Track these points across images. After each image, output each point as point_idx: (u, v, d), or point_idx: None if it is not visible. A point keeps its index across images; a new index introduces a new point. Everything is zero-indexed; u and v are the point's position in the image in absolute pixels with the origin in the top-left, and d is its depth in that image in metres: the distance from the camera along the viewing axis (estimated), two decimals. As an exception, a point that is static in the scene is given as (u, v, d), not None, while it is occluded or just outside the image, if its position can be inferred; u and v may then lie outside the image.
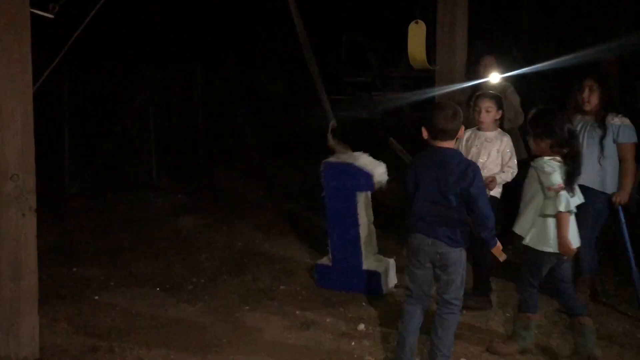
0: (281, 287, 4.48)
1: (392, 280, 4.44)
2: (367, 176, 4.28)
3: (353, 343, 3.66)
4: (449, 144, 3.15)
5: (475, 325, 3.86)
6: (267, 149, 9.36)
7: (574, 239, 3.33)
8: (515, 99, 5.04)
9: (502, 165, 4.10)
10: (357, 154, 4.43)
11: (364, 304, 4.20)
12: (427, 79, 6.17)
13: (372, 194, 4.48)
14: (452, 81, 5.39)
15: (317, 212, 6.26)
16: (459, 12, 5.39)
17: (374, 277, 4.31)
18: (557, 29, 8.13)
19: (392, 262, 4.47)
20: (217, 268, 4.85)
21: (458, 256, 3.17)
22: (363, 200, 4.38)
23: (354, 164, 4.31)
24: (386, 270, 4.39)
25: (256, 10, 9.39)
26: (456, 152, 3.21)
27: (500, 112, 4.13)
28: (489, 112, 4.08)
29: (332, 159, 4.42)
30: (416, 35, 5.42)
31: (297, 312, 4.05)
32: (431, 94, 5.76)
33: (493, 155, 4.08)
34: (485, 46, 6.88)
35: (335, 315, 4.02)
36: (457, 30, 5.39)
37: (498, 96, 4.19)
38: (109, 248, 5.25)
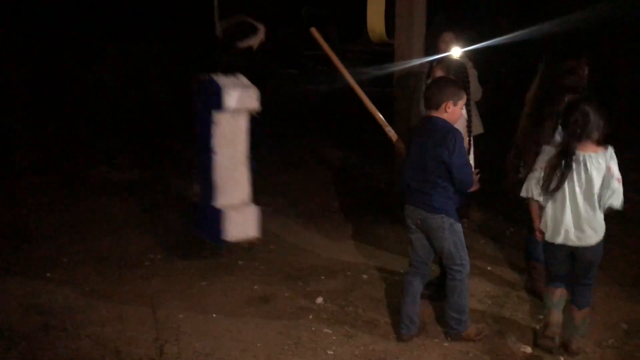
0: (239, 262, 4.46)
1: (247, 230, 3.73)
2: (219, 93, 3.58)
3: (311, 316, 3.68)
4: (438, 113, 3.27)
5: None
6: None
7: None
8: (473, 74, 5.07)
9: None
10: (241, 76, 3.82)
11: (322, 277, 4.21)
12: (387, 54, 6.14)
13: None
14: (411, 56, 5.38)
15: (279, 189, 6.24)
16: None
17: (216, 219, 3.65)
18: (516, 3, 8.19)
19: (254, 209, 3.77)
20: (174, 244, 4.78)
21: (438, 222, 3.25)
22: (227, 126, 3.68)
23: (215, 80, 3.66)
24: (237, 215, 3.66)
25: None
26: (442, 121, 3.26)
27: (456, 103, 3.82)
28: (435, 76, 3.75)
29: (203, 76, 3.79)
30: (375, 8, 5.38)
31: (256, 287, 4.04)
32: (390, 69, 5.75)
33: None
34: (445, 21, 6.88)
35: (293, 289, 4.03)
36: (415, 3, 5.37)
37: (454, 63, 3.86)
38: (62, 225, 5.11)
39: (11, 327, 3.45)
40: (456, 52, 5.00)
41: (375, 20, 5.32)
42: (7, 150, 6.82)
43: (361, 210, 5.54)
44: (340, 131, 8.05)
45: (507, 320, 3.69)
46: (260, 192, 6.08)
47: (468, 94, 3.78)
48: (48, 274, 4.14)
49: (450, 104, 3.26)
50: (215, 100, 3.63)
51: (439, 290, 3.71)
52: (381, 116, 3.85)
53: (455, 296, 3.37)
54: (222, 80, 3.66)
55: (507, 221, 5.27)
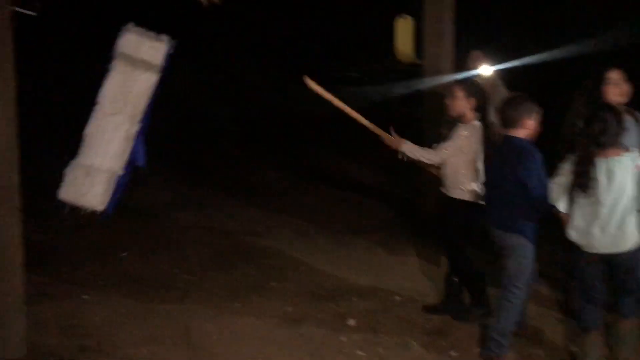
0: (271, 283, 4.47)
1: (84, 196, 3.21)
2: (121, 36, 3.14)
3: (343, 338, 3.66)
4: (515, 132, 3.30)
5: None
6: (252, 142, 9.31)
7: None
8: (502, 92, 5.05)
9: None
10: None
11: (354, 298, 4.20)
12: (414, 73, 6.17)
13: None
14: (439, 76, 5.40)
15: (309, 209, 6.27)
16: (445, 6, 5.40)
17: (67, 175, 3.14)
18: (541, 22, 8.17)
19: (110, 180, 3.19)
20: (206, 265, 4.83)
21: (511, 241, 3.28)
22: (120, 78, 3.17)
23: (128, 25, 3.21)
24: (82, 178, 3.12)
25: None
26: (518, 140, 3.30)
27: (471, 100, 3.75)
28: (455, 97, 3.77)
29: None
30: (403, 30, 5.43)
31: (288, 308, 4.05)
32: (418, 88, 5.77)
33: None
34: (473, 40, 6.89)
35: (325, 310, 4.02)
36: (444, 24, 5.40)
37: (472, 83, 3.91)
38: (98, 247, 5.20)
39: (49, 347, 3.51)
40: (485, 70, 4.99)
41: (404, 41, 5.36)
42: (42, 173, 7.00)
43: (390, 229, 5.52)
44: (363, 149, 8.07)
45: (544, 342, 3.62)
46: (290, 213, 6.15)
47: (486, 114, 3.85)
48: (84, 296, 4.21)
49: (526, 120, 3.31)
50: (117, 47, 3.14)
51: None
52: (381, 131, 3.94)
53: (503, 317, 3.33)
54: (132, 28, 3.18)
55: (543, 238, 5.19)
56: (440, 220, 4.00)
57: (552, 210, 3.29)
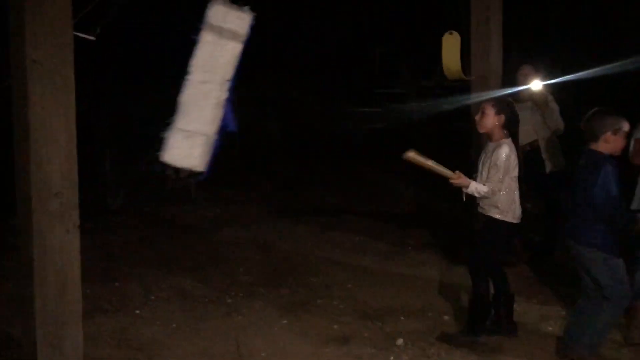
0: (319, 300, 4.48)
1: (186, 158, 3.35)
2: (207, 6, 3.24)
3: (392, 358, 3.62)
4: (595, 146, 3.31)
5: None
6: (300, 159, 9.39)
7: None
8: (555, 108, 4.96)
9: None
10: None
11: (402, 318, 4.16)
12: (462, 89, 6.12)
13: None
14: (487, 91, 5.33)
15: (356, 226, 6.26)
16: (493, 21, 5.35)
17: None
18: (590, 37, 7.99)
19: (206, 141, 3.33)
20: (255, 281, 4.88)
21: (591, 256, 3.27)
22: (209, 48, 3.28)
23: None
24: (183, 141, 3.31)
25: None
26: (596, 153, 3.30)
27: (501, 116, 3.68)
28: (485, 113, 3.69)
29: None
30: (450, 46, 5.39)
31: (335, 327, 4.04)
32: (464, 103, 5.72)
33: (486, 169, 3.67)
34: (520, 55, 6.80)
35: (372, 329, 3.99)
36: (491, 39, 5.34)
37: (502, 100, 3.82)
38: (149, 262, 5.33)
39: (103, 361, 3.61)
40: (536, 85, 4.92)
41: (451, 58, 5.33)
42: (98, 192, 7.25)
43: (437, 247, 5.45)
44: (410, 167, 8.02)
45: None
46: (337, 230, 6.16)
47: (516, 132, 3.76)
48: (137, 311, 4.31)
49: (609, 134, 3.29)
50: (204, 18, 3.24)
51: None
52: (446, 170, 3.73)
53: (592, 321, 3.33)
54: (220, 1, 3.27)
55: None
56: (475, 241, 3.88)
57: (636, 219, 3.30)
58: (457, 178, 3.65)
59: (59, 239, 3.26)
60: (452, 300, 4.43)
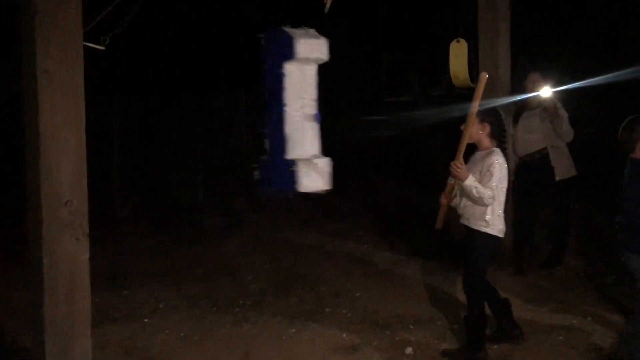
0: (327, 309, 4.46)
1: (319, 183, 3.55)
2: (290, 40, 3.50)
3: (401, 367, 3.60)
4: (634, 154, 3.38)
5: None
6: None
7: None
8: (564, 115, 4.94)
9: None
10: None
11: (411, 326, 4.13)
12: (469, 97, 6.12)
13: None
14: (495, 99, 5.33)
15: (364, 234, 6.24)
16: (501, 28, 5.35)
17: (290, 171, 3.56)
18: (600, 44, 7.96)
19: (325, 160, 3.55)
20: (263, 289, 4.87)
21: (637, 263, 3.31)
22: (297, 77, 3.56)
23: (286, 30, 3.55)
24: (308, 167, 3.55)
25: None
26: (637, 161, 3.36)
27: (484, 125, 3.56)
28: (469, 123, 3.52)
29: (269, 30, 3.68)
30: (458, 53, 5.40)
31: (344, 335, 4.02)
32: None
33: (476, 177, 3.52)
34: (528, 62, 6.79)
35: (382, 338, 3.97)
36: (499, 46, 5.35)
37: (489, 110, 3.65)
38: (158, 270, 5.35)
39: (112, 370, 3.62)
40: (545, 92, 4.90)
41: (459, 66, 5.33)
42: (107, 201, 7.29)
43: (447, 256, 5.42)
44: (421, 175, 8.01)
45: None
46: (346, 238, 6.15)
47: (503, 142, 3.64)
48: (146, 319, 4.32)
49: None
50: (287, 51, 3.52)
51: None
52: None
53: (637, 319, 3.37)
54: (292, 30, 3.57)
55: (607, 268, 4.99)
56: (465, 260, 3.75)
57: None
58: (459, 167, 3.49)
59: (68, 248, 3.27)
60: (462, 308, 4.39)
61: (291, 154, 3.57)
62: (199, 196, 7.98)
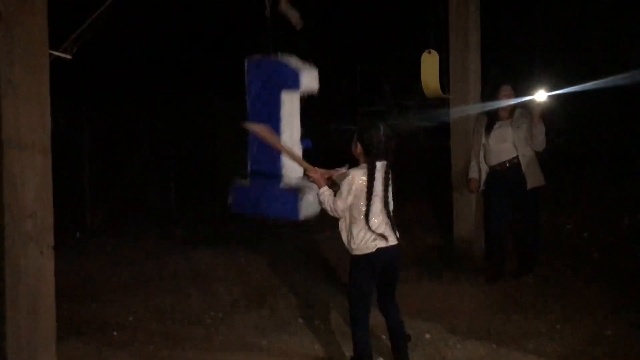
0: (299, 320, 4.43)
1: (312, 207, 3.68)
2: (294, 73, 3.57)
3: (373, 377, 3.59)
4: None
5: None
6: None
7: None
8: (542, 125, 4.98)
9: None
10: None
11: (383, 336, 4.12)
12: (440, 107, 6.19)
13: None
14: (466, 109, 5.40)
15: (335, 245, 6.21)
16: (471, 39, 5.43)
17: (289, 198, 3.63)
18: (574, 53, 8.10)
19: (312, 186, 3.64)
20: (235, 301, 4.82)
21: None
22: (290, 105, 3.66)
23: (280, 60, 3.64)
24: (305, 192, 3.66)
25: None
26: None
27: (356, 145, 3.44)
28: (353, 142, 3.46)
29: (256, 56, 3.73)
30: (429, 65, 5.46)
31: (316, 347, 4.00)
32: (444, 121, 5.76)
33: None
34: (500, 72, 6.89)
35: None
36: (470, 56, 5.42)
37: (364, 129, 3.43)
38: (128, 282, 5.25)
39: (79, 386, 3.53)
40: (541, 96, 4.89)
41: (430, 76, 5.39)
42: (77, 211, 7.16)
43: (421, 266, 5.44)
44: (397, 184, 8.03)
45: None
46: (319, 247, 6.12)
47: (371, 153, 3.38)
48: (115, 333, 4.23)
49: None
50: (291, 81, 3.62)
51: None
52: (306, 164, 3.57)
53: None
54: (290, 61, 3.69)
55: (575, 275, 5.06)
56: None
57: None
58: (314, 172, 3.42)
59: (32, 261, 3.20)
60: (433, 318, 4.41)
61: (280, 181, 3.65)
62: (172, 206, 7.88)
